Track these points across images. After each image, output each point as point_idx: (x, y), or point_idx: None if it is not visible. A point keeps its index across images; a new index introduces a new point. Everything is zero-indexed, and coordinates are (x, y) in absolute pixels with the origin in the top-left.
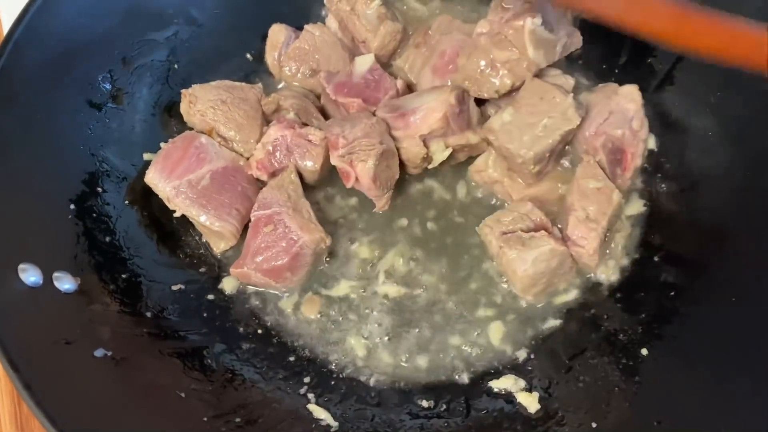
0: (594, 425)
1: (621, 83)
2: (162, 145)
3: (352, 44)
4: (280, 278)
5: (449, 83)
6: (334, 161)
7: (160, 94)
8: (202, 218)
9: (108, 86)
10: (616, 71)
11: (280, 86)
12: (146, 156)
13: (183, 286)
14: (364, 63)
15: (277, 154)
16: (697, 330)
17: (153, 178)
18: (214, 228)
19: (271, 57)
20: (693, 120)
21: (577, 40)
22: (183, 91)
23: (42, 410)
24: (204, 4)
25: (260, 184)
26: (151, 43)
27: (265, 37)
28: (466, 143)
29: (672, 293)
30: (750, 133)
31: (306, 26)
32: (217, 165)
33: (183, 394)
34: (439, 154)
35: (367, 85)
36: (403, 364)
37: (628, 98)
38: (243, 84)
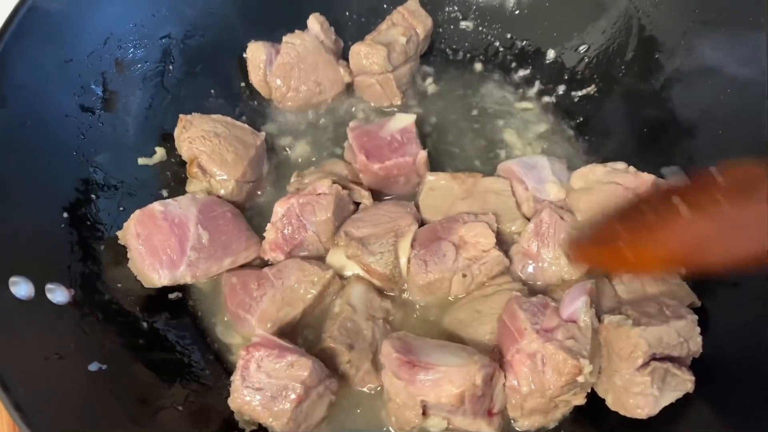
0: None
1: (627, 82)
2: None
3: (335, 46)
4: (240, 326)
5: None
6: None
7: (154, 96)
8: (226, 263)
9: (101, 89)
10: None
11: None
12: (141, 161)
13: (180, 294)
14: (401, 121)
15: (288, 229)
16: None
17: (164, 278)
18: (240, 262)
19: (256, 77)
20: None
21: None
22: (181, 116)
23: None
24: (197, 3)
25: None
26: (145, 44)
27: None
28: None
29: None
30: None
31: (284, 38)
32: (192, 214)
33: (180, 408)
34: (435, 429)
35: (389, 144)
36: None
37: None
38: (246, 126)
